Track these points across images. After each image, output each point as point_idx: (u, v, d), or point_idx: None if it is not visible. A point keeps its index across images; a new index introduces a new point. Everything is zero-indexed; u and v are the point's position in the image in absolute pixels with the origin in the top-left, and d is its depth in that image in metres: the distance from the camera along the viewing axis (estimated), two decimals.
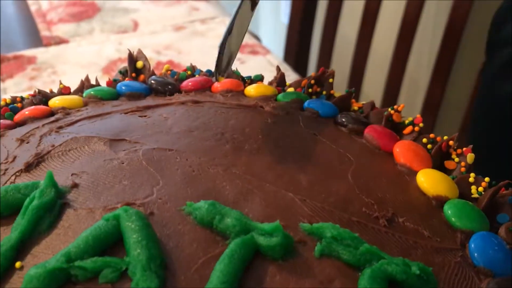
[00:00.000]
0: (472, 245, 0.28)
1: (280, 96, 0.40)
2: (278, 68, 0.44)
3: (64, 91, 0.42)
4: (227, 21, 1.20)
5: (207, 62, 0.98)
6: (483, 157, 0.69)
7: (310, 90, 0.41)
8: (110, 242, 0.24)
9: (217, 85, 0.41)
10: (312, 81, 0.41)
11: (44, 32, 1.00)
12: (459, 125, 1.16)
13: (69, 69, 0.89)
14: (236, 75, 0.44)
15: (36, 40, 0.98)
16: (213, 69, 0.47)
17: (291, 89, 0.42)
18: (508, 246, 0.28)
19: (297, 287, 0.24)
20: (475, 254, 0.28)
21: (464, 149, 0.34)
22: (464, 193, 0.32)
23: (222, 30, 1.03)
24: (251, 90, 0.41)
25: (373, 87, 1.37)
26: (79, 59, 0.92)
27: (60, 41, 0.97)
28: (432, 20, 1.26)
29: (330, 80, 0.42)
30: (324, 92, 0.42)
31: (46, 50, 0.95)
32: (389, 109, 0.37)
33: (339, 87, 0.43)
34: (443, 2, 1.17)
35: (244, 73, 0.47)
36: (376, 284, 0.24)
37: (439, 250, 0.28)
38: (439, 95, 1.21)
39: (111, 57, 0.93)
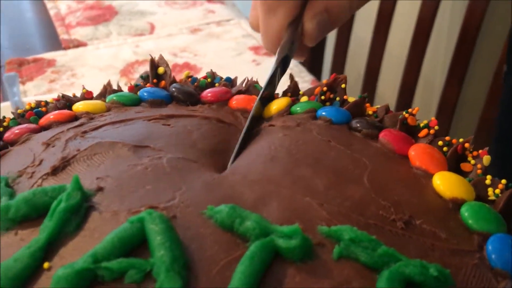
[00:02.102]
0: (490, 247, 0.29)
1: (294, 108, 0.40)
2: (291, 77, 0.44)
3: (87, 95, 0.43)
4: (243, 23, 1.20)
5: (223, 64, 0.98)
6: (509, 164, 0.69)
7: (322, 97, 0.41)
8: (135, 244, 0.25)
9: (234, 102, 0.42)
10: (325, 88, 0.42)
11: (63, 36, 1.02)
12: (475, 126, 1.15)
13: (88, 71, 0.90)
14: (256, 89, 0.44)
15: (55, 43, 1.00)
16: (233, 70, 0.47)
17: (304, 98, 0.42)
18: None
19: (316, 287, 0.24)
20: (493, 256, 0.28)
21: (480, 151, 0.35)
22: (480, 196, 0.32)
23: (237, 32, 1.04)
24: (270, 109, 0.41)
25: (388, 89, 1.37)
26: (97, 61, 0.94)
27: (78, 44, 0.99)
28: (447, 21, 1.26)
29: (343, 85, 0.42)
30: (337, 98, 0.42)
31: (65, 53, 0.96)
32: (404, 113, 0.38)
33: (354, 89, 0.43)
34: (459, 2, 1.16)
35: (260, 73, 0.47)
36: (394, 285, 0.24)
37: (457, 252, 0.28)
38: (455, 97, 1.21)
39: (128, 60, 0.95)
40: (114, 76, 0.90)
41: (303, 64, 1.16)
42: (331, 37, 1.30)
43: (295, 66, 0.94)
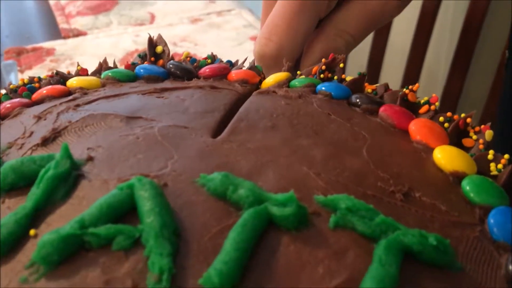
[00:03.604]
0: (491, 220, 0.28)
1: (293, 82, 0.40)
2: (285, 60, 0.43)
3: (82, 72, 0.42)
4: (244, 13, 1.19)
5: (223, 53, 0.98)
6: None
7: (321, 76, 0.41)
8: (124, 210, 0.24)
9: (233, 74, 0.41)
10: (323, 67, 0.41)
11: (62, 25, 1.01)
12: (478, 118, 1.14)
13: (87, 60, 0.90)
14: (258, 69, 0.44)
15: (55, 32, 1.00)
16: (233, 59, 0.47)
17: (302, 77, 0.42)
18: None
19: (311, 256, 0.24)
20: (494, 229, 0.27)
21: (483, 126, 0.34)
22: (482, 171, 0.31)
23: (238, 22, 1.03)
24: (269, 80, 0.40)
25: (391, 82, 1.36)
26: (97, 50, 0.93)
27: (78, 33, 0.99)
28: (450, 13, 1.25)
29: (341, 65, 0.41)
30: (335, 77, 0.41)
31: (64, 42, 0.96)
32: (404, 89, 0.37)
33: None
34: None
35: None
36: (391, 254, 0.23)
37: (457, 224, 0.27)
38: (458, 89, 1.20)
39: (128, 49, 0.94)
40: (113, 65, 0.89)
41: None
42: None
43: None
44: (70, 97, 0.36)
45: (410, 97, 0.36)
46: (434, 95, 0.36)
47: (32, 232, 0.24)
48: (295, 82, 0.39)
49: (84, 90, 0.38)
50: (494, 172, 0.31)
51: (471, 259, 0.26)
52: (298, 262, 0.23)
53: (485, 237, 0.27)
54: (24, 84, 0.39)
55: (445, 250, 0.24)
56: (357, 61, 1.38)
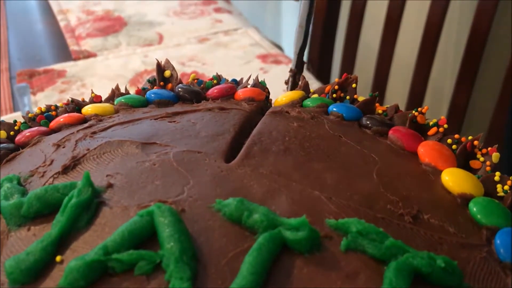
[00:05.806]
0: (498, 241, 0.29)
1: (305, 102, 0.41)
2: (302, 77, 0.45)
3: (96, 99, 0.43)
4: (250, 32, 1.20)
5: (231, 72, 0.99)
6: None
7: (334, 95, 0.42)
8: (145, 237, 0.25)
9: (240, 93, 0.43)
10: (336, 87, 0.42)
11: (73, 47, 1.03)
12: (486, 131, 1.14)
13: (97, 81, 0.91)
14: (262, 85, 0.45)
15: (66, 54, 1.02)
16: (238, 78, 0.49)
17: (315, 96, 0.43)
18: None
19: (323, 279, 0.25)
20: (501, 250, 0.28)
21: (489, 148, 0.35)
22: (489, 192, 0.33)
23: (245, 40, 1.05)
24: (282, 98, 0.42)
25: (397, 95, 1.37)
26: (107, 71, 0.95)
27: (88, 55, 1.00)
28: (455, 26, 1.26)
29: (353, 85, 0.43)
30: (347, 97, 0.43)
31: (75, 64, 0.98)
32: (413, 111, 0.38)
33: (363, 95, 0.44)
34: (467, 6, 1.16)
35: (268, 81, 0.48)
36: (401, 277, 0.24)
37: (465, 245, 0.28)
38: (465, 102, 1.20)
39: (138, 69, 0.96)
40: (123, 86, 0.91)
41: (311, 71, 1.17)
42: (339, 44, 1.30)
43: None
44: (86, 124, 0.38)
45: (419, 119, 0.38)
46: (442, 117, 0.38)
47: (58, 258, 0.25)
48: (307, 102, 0.40)
49: (99, 117, 0.39)
50: (501, 194, 0.32)
51: (478, 279, 0.27)
52: (312, 285, 0.24)
53: (492, 258, 0.28)
54: (42, 113, 0.40)
55: (453, 272, 0.25)
56: (362, 76, 1.39)
